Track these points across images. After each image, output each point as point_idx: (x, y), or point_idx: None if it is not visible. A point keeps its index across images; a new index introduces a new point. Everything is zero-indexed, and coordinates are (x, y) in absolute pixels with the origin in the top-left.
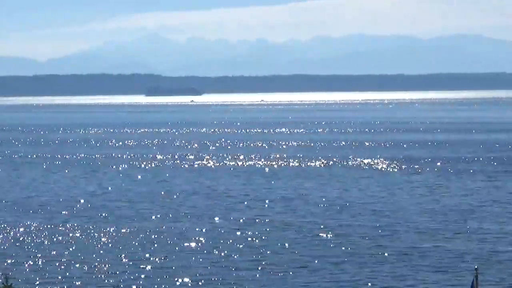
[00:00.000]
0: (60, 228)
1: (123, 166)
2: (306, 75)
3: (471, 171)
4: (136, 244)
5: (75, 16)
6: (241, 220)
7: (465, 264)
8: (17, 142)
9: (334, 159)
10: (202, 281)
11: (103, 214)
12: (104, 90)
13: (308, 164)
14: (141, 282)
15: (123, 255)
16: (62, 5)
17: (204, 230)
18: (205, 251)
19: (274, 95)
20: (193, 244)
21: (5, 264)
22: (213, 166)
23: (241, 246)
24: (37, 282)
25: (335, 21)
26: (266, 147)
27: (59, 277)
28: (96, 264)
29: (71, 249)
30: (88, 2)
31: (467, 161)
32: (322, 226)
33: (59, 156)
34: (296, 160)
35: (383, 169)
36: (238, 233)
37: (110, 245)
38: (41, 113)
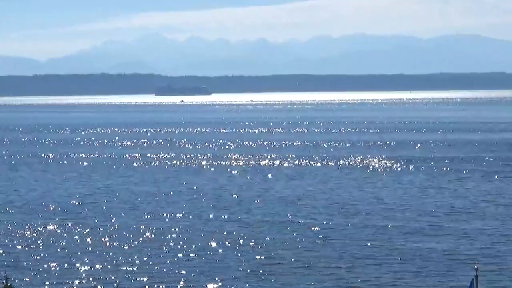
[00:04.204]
0: (60, 228)
1: (123, 166)
2: (306, 75)
3: (471, 171)
4: (137, 244)
5: (75, 16)
6: (238, 220)
7: (465, 264)
8: (17, 142)
9: (333, 159)
10: (202, 281)
11: (104, 214)
12: (104, 90)
13: (306, 164)
14: (141, 282)
15: (124, 255)
16: (63, 5)
17: (202, 231)
18: (204, 252)
19: (274, 95)
20: (192, 245)
21: (5, 264)
22: (212, 166)
23: (240, 246)
24: (37, 282)
25: (335, 21)
26: (265, 147)
27: (59, 277)
28: (97, 263)
29: (71, 248)
30: (88, 2)
31: (466, 161)
32: (323, 227)
33: (57, 156)
34: (294, 160)
35: (382, 169)
36: (236, 233)
37: (110, 244)
38: (41, 113)
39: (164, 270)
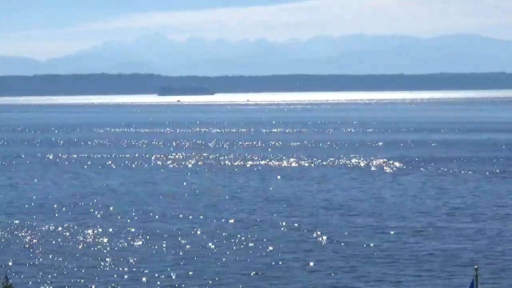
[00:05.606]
0: (60, 228)
1: (123, 166)
2: (306, 75)
3: (471, 171)
4: (137, 244)
5: (75, 16)
6: (238, 221)
7: (465, 264)
8: (17, 142)
9: (333, 159)
10: (201, 282)
11: (104, 214)
12: (104, 90)
13: (306, 164)
14: (141, 282)
15: (124, 255)
16: (63, 5)
17: (202, 231)
18: (203, 252)
19: (274, 95)
20: (191, 245)
21: (6, 264)
22: (212, 166)
23: (239, 246)
24: (37, 282)
25: (335, 21)
26: (264, 147)
27: (59, 277)
28: (96, 264)
29: (71, 249)
30: (88, 2)
31: (466, 161)
32: (322, 227)
33: (58, 156)
34: (294, 160)
35: (382, 169)
36: (236, 233)
37: (111, 245)
38: (40, 113)
39: (164, 270)
